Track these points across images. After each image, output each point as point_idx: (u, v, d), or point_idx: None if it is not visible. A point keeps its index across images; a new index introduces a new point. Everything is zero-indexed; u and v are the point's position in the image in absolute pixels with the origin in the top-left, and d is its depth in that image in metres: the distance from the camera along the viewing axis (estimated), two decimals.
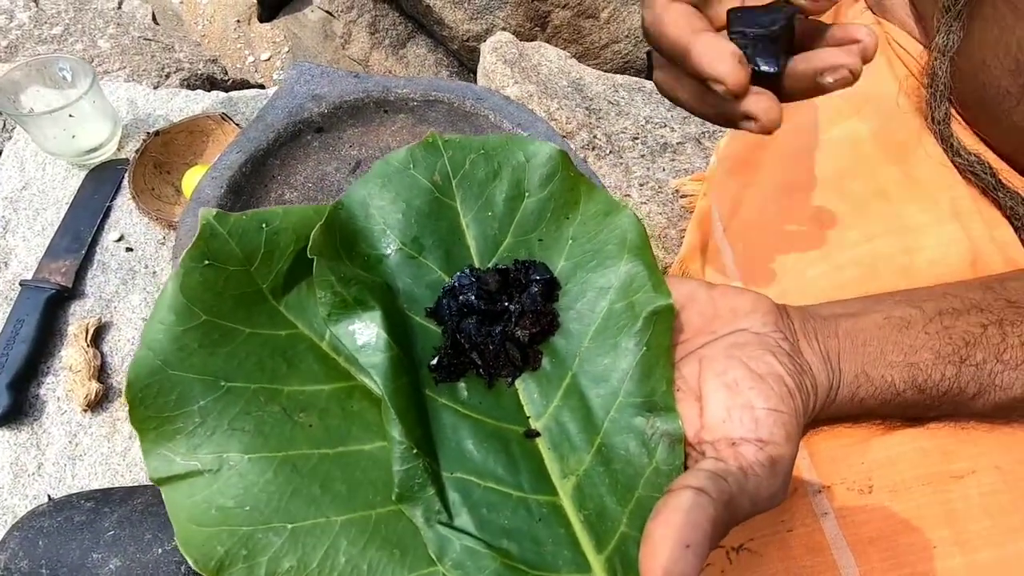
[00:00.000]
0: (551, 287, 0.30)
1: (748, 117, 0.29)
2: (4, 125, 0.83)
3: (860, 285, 0.40)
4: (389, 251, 0.29)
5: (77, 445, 0.54)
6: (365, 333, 0.26)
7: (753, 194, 0.54)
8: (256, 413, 0.25)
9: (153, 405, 0.23)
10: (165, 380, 0.24)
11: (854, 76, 0.28)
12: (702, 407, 0.26)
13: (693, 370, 0.27)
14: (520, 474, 0.25)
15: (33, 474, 0.53)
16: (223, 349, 0.25)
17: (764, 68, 0.27)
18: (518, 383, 0.28)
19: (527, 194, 0.31)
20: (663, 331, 0.28)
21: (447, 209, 0.31)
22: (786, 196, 0.50)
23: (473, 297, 0.28)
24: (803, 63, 0.29)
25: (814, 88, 0.29)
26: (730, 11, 0.29)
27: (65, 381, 0.56)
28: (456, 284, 0.29)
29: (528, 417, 0.27)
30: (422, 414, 0.26)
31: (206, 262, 0.26)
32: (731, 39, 0.27)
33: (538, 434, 0.27)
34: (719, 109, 0.31)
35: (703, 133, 0.83)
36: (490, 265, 0.30)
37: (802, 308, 0.31)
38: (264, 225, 0.27)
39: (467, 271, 0.29)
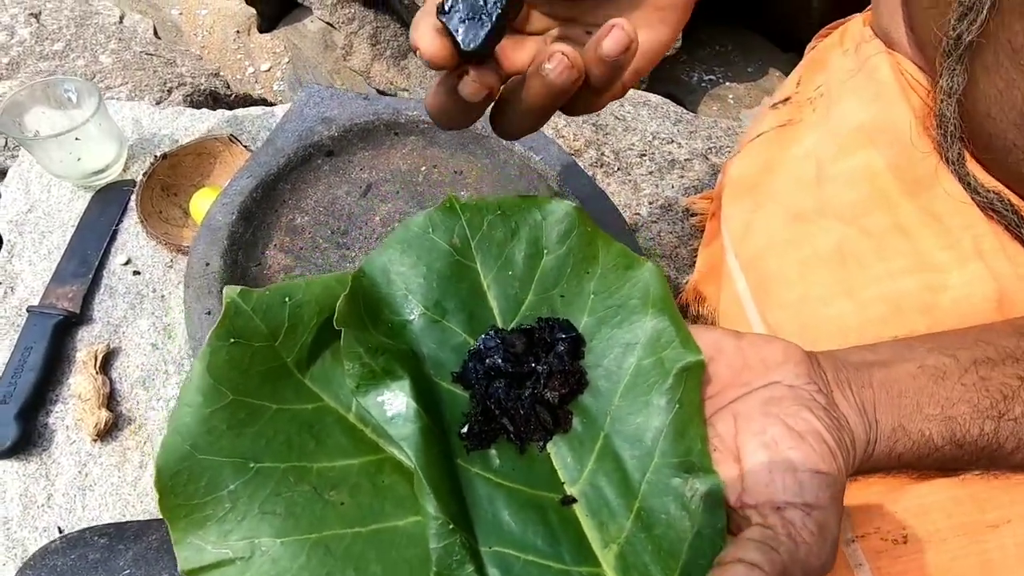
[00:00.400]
0: (577, 345, 0.29)
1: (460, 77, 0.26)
2: (6, 143, 0.82)
3: (884, 324, 0.39)
4: (412, 316, 0.28)
5: (87, 475, 0.53)
6: (395, 404, 0.25)
7: (763, 219, 0.53)
8: (287, 494, 0.24)
9: (183, 492, 0.23)
10: (194, 465, 0.23)
11: (573, 66, 0.25)
12: (742, 469, 0.25)
13: (728, 427, 0.26)
14: (560, 544, 0.24)
15: (43, 506, 0.52)
16: (251, 429, 0.25)
17: (461, 42, 0.24)
18: (550, 447, 0.27)
19: (546, 251, 0.31)
20: (694, 387, 0.27)
21: (468, 271, 0.30)
22: (798, 224, 0.49)
23: (500, 360, 0.28)
24: (518, 47, 0.27)
25: (541, 82, 0.26)
26: None
27: (74, 409, 0.55)
28: (482, 347, 0.28)
29: (563, 483, 0.26)
30: (456, 486, 0.25)
31: (232, 340, 0.25)
32: (441, 17, 0.25)
33: (575, 500, 0.26)
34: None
35: (710, 148, 0.82)
36: (514, 325, 0.29)
37: (832, 355, 0.30)
38: (287, 299, 0.26)
39: (492, 333, 0.28)
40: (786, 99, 0.58)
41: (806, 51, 0.63)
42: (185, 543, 0.22)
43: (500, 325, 0.29)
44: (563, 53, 0.25)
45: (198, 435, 0.24)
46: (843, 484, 0.25)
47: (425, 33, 0.24)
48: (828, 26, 0.61)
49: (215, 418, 0.24)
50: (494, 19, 0.24)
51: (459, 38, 0.24)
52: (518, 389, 0.27)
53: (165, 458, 0.23)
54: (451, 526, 0.23)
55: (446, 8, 0.24)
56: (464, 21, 0.24)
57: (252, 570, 0.22)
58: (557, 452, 0.27)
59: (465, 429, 0.26)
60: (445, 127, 0.29)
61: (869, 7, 0.55)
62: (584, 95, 0.28)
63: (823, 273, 0.44)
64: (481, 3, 0.24)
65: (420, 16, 0.25)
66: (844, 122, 0.48)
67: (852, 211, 0.44)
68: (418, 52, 0.25)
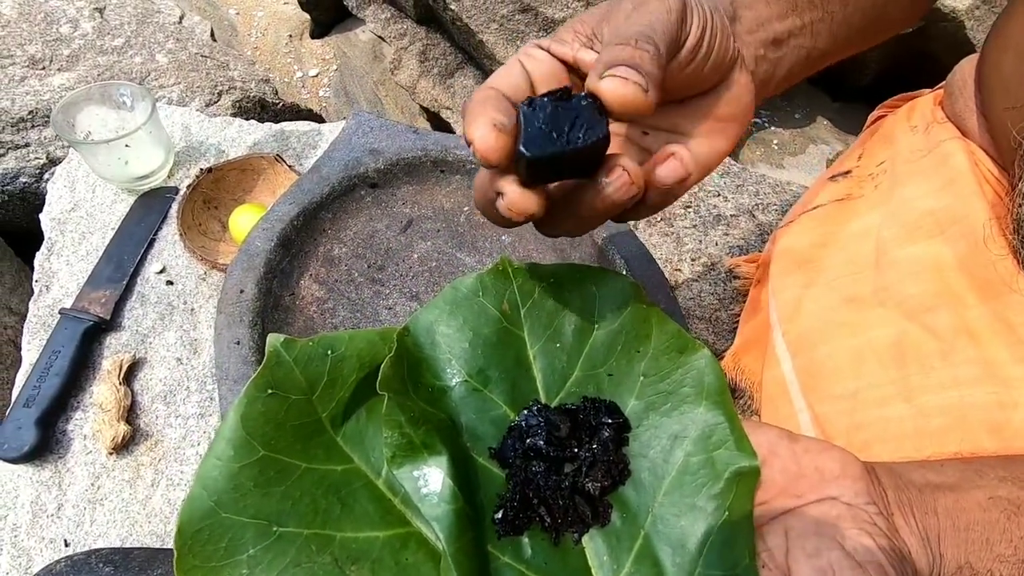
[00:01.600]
0: (622, 431, 0.28)
1: (498, 192, 0.25)
2: (41, 136, 0.85)
3: (945, 436, 0.37)
4: (454, 382, 0.28)
5: (99, 488, 0.54)
6: (430, 481, 0.24)
7: (815, 298, 0.51)
8: (307, 564, 0.23)
9: (202, 553, 0.22)
10: (217, 525, 0.23)
11: (634, 183, 0.25)
12: None
13: (779, 543, 0.25)
14: None
15: (52, 515, 0.52)
16: (278, 488, 0.24)
17: (523, 144, 0.23)
18: (585, 540, 0.26)
19: (597, 326, 0.30)
20: (746, 495, 0.26)
21: (514, 339, 0.30)
22: (854, 309, 0.47)
23: (541, 441, 0.27)
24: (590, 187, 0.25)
25: (597, 194, 0.25)
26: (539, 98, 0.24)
27: (93, 419, 0.56)
28: (523, 424, 0.28)
29: None
30: None
31: (270, 391, 0.25)
32: (524, 106, 0.24)
33: None
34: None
35: (756, 205, 0.81)
36: (557, 401, 0.29)
37: (892, 470, 0.29)
38: (329, 351, 0.26)
39: (534, 409, 0.28)
40: (846, 172, 0.57)
41: (868, 120, 0.62)
42: None
43: (543, 399, 0.29)
44: (624, 169, 0.24)
45: (224, 491, 0.23)
46: None
47: (483, 126, 0.23)
48: (895, 98, 0.60)
49: (243, 474, 0.24)
50: (569, 145, 0.23)
51: (521, 139, 0.23)
52: (557, 475, 0.27)
53: (189, 514, 0.23)
54: None
55: (532, 104, 0.23)
56: (541, 128, 0.23)
57: None
58: (593, 547, 0.26)
59: (499, 515, 0.26)
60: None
61: (940, 86, 0.54)
62: (635, 207, 0.28)
63: (879, 369, 0.43)
64: (567, 126, 0.23)
65: (478, 108, 0.24)
66: (910, 205, 0.47)
67: (915, 304, 0.42)
68: (471, 146, 0.23)
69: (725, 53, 0.29)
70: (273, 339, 0.26)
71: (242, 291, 0.49)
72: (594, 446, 0.27)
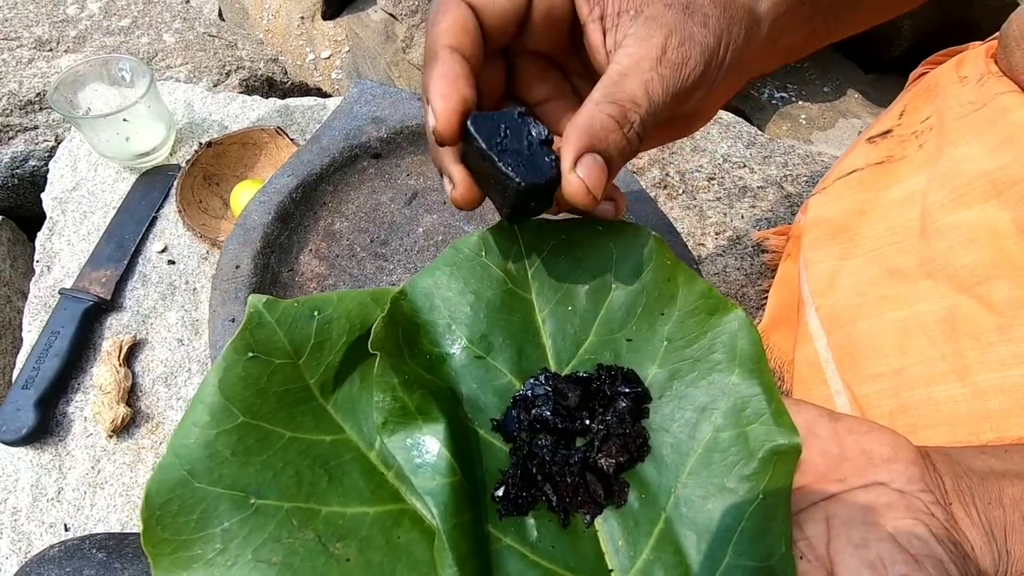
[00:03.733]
0: (642, 401, 0.25)
1: (447, 175, 0.27)
2: (49, 119, 0.84)
3: (1006, 419, 0.34)
4: (454, 349, 0.26)
5: (99, 472, 0.53)
6: (425, 451, 0.22)
7: (852, 271, 0.48)
8: (287, 540, 0.21)
9: (171, 526, 0.20)
10: (188, 495, 0.21)
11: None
12: None
13: (819, 531, 0.22)
14: None
15: (52, 499, 0.52)
16: (258, 458, 0.22)
17: (515, 174, 0.24)
18: (598, 522, 0.24)
19: (614, 286, 0.27)
20: (784, 477, 0.23)
21: (521, 302, 0.27)
22: (897, 283, 0.44)
23: (548, 412, 0.25)
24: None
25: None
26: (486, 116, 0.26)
27: (93, 401, 0.55)
28: (528, 393, 0.25)
29: (611, 570, 0.23)
30: (484, 560, 0.22)
31: (250, 354, 0.23)
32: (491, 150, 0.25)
33: None
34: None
35: (785, 176, 0.77)
36: (568, 369, 0.26)
37: (949, 456, 0.26)
38: (316, 313, 0.24)
39: (541, 378, 0.25)
40: (886, 132, 0.53)
41: (910, 78, 0.58)
42: None
43: (553, 368, 0.26)
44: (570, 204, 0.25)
45: (198, 459, 0.21)
46: None
47: (450, 105, 0.24)
48: (939, 54, 0.56)
49: (220, 442, 0.22)
50: (544, 176, 0.24)
51: (504, 162, 0.24)
52: (566, 450, 0.24)
53: (159, 483, 0.21)
54: None
55: (494, 143, 0.24)
56: (511, 152, 0.24)
57: None
58: (607, 530, 0.24)
59: (500, 491, 0.23)
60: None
61: (992, 38, 0.50)
62: None
63: (927, 345, 0.39)
64: (528, 153, 0.25)
65: (446, 82, 0.25)
66: (961, 166, 0.43)
67: (968, 275, 0.39)
68: (430, 117, 0.25)
69: (730, 89, 0.29)
70: (254, 299, 0.24)
71: (238, 267, 0.47)
72: (608, 418, 0.25)
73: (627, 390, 0.25)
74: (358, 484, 0.23)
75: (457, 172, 0.26)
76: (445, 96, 0.24)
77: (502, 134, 0.24)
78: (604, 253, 0.28)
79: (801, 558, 0.22)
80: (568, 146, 0.24)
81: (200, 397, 0.22)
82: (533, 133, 0.25)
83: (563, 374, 0.26)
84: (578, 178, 0.24)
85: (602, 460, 0.24)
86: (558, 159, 0.25)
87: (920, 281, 0.43)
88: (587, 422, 0.25)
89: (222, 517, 0.21)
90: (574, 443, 0.25)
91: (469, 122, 0.24)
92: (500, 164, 0.24)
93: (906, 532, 0.21)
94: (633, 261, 0.28)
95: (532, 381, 0.25)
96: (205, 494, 0.21)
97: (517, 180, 0.24)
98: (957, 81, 0.48)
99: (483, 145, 0.24)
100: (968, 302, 0.39)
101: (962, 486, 0.24)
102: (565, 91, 0.31)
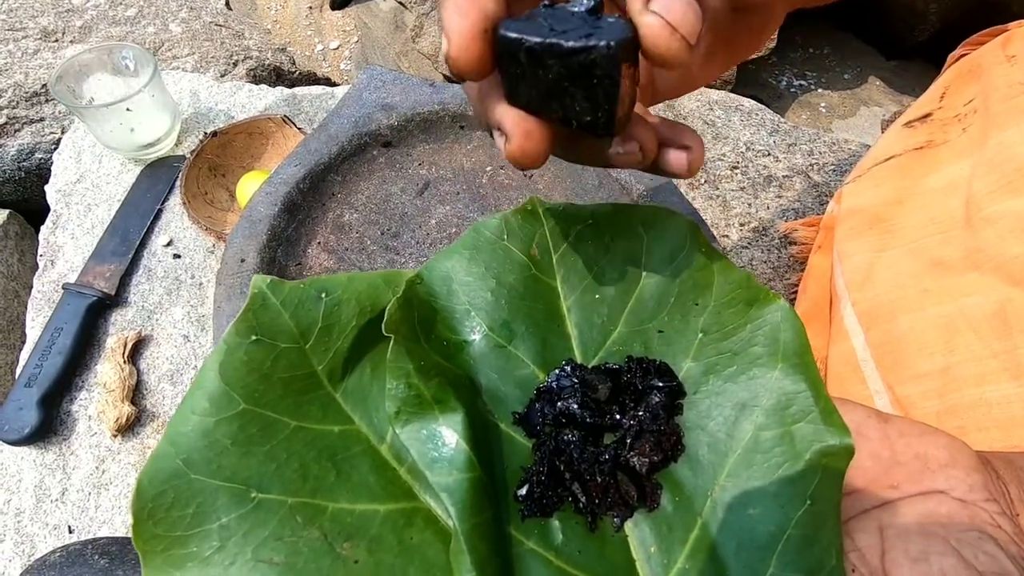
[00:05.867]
0: (675, 397, 0.24)
1: (497, 128, 0.21)
2: (55, 111, 0.84)
3: None
4: (473, 337, 0.24)
5: (104, 472, 0.52)
6: (442, 443, 0.21)
7: (890, 263, 0.46)
8: (290, 539, 0.20)
9: (165, 520, 0.19)
10: (184, 487, 0.20)
11: (645, 160, 0.22)
12: None
13: (872, 542, 0.21)
14: None
15: (56, 500, 0.51)
16: (261, 448, 0.21)
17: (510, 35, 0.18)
18: (628, 526, 0.22)
19: (645, 274, 0.26)
20: (834, 480, 0.22)
21: (545, 289, 0.26)
22: (940, 275, 0.42)
23: (575, 405, 0.23)
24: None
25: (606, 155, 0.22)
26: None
27: (98, 400, 0.54)
28: (554, 385, 0.24)
29: None
30: (505, 564, 0.21)
31: (253, 338, 0.22)
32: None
33: None
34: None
35: (811, 165, 0.75)
36: (596, 361, 0.25)
37: (1011, 462, 0.24)
38: (324, 294, 0.23)
39: (568, 368, 0.24)
40: (925, 116, 0.51)
41: (949, 60, 0.56)
42: None
43: (579, 359, 0.25)
44: (641, 147, 0.22)
45: (195, 449, 0.20)
46: None
47: (468, 23, 0.19)
48: (980, 34, 0.54)
49: (220, 430, 0.21)
50: (612, 84, 0.18)
51: (591, 41, 0.18)
52: (595, 447, 0.23)
53: (152, 473, 0.20)
54: None
55: (545, 32, 0.18)
56: (582, 35, 0.18)
57: None
58: (638, 535, 0.22)
59: (524, 490, 0.22)
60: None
61: None
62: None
63: (976, 341, 0.37)
64: (589, 25, 0.18)
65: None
66: (1010, 151, 0.41)
67: (1021, 267, 0.37)
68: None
69: None
70: (258, 279, 0.23)
71: (243, 260, 0.46)
72: (640, 413, 0.23)
73: (660, 384, 0.24)
74: (368, 479, 0.22)
75: (509, 116, 0.20)
76: (461, 9, 0.18)
77: (545, 24, 0.19)
78: (634, 239, 0.27)
79: (853, 571, 0.21)
80: None
81: (199, 383, 0.21)
82: (576, 8, 0.19)
83: (590, 366, 0.25)
84: (654, 15, 0.18)
85: (634, 458, 0.22)
86: (624, 19, 0.19)
87: (966, 273, 0.41)
88: (617, 417, 0.23)
89: (220, 512, 0.19)
90: (602, 440, 0.23)
91: (501, 28, 0.19)
92: (571, 44, 0.18)
93: (971, 546, 0.20)
94: (665, 248, 0.27)
95: (557, 372, 0.24)
96: (202, 486, 0.20)
97: (604, 43, 0.17)
98: (1004, 61, 0.46)
99: (535, 40, 0.18)
100: (1022, 295, 0.37)
101: None
102: None
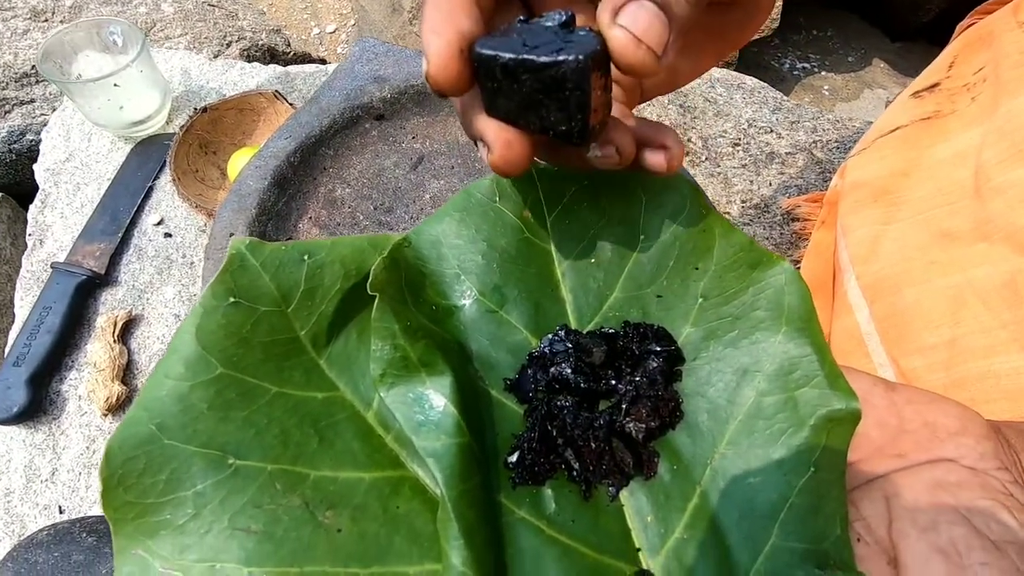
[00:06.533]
0: (673, 362, 0.23)
1: (480, 138, 0.22)
2: (47, 92, 0.82)
3: None
4: (463, 301, 0.23)
5: (95, 452, 0.51)
6: (429, 407, 0.20)
7: (896, 236, 0.45)
8: (269, 507, 0.19)
9: (136, 487, 0.18)
10: (157, 453, 0.19)
11: (623, 162, 0.22)
12: None
13: (878, 512, 0.20)
14: None
15: (46, 480, 0.50)
16: (239, 413, 0.20)
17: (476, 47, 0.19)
18: (624, 495, 0.21)
19: (643, 237, 0.25)
20: (839, 447, 0.20)
21: (539, 253, 0.25)
22: (948, 246, 0.41)
23: (569, 370, 0.22)
24: None
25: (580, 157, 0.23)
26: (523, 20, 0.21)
27: (88, 379, 0.53)
28: (547, 350, 0.23)
29: (638, 549, 0.20)
30: (494, 533, 0.20)
31: (231, 300, 0.21)
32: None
33: None
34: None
35: (815, 143, 0.73)
36: (591, 327, 0.24)
37: (1022, 431, 0.23)
38: (306, 257, 0.22)
39: (561, 333, 0.23)
40: (933, 86, 0.50)
41: (957, 30, 0.54)
42: (129, 554, 0.18)
43: (574, 325, 0.24)
44: (618, 150, 0.22)
45: (170, 414, 0.19)
46: None
47: (444, 44, 0.19)
48: (989, 2, 0.52)
49: (195, 395, 0.20)
50: (583, 95, 0.19)
51: (560, 56, 0.19)
52: (590, 413, 0.22)
53: (122, 439, 0.19)
54: None
55: (519, 48, 0.19)
56: (553, 50, 0.19)
57: None
58: (634, 505, 0.21)
59: (515, 457, 0.21)
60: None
61: None
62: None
63: (984, 313, 0.36)
64: (561, 39, 0.19)
65: (442, 13, 0.20)
66: (1021, 119, 0.39)
67: None
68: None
69: None
70: (236, 241, 0.22)
71: (232, 235, 0.45)
72: (637, 378, 0.22)
73: (658, 348, 0.23)
74: (352, 447, 0.21)
75: (491, 127, 0.21)
76: (437, 30, 0.19)
77: (520, 39, 0.19)
78: (632, 201, 0.26)
79: (859, 540, 0.20)
80: (605, 1, 0.19)
81: (174, 347, 0.20)
82: (549, 23, 0.20)
83: (585, 331, 0.24)
84: (620, 28, 0.19)
85: (631, 425, 0.21)
86: (595, 32, 0.20)
87: (975, 244, 0.40)
88: (613, 383, 0.22)
89: (195, 478, 0.18)
90: (597, 406, 0.22)
91: (477, 46, 0.20)
92: (542, 59, 0.19)
93: (983, 515, 0.19)
94: (665, 210, 0.25)
95: (551, 337, 0.23)
96: (176, 452, 0.19)
97: (572, 58, 0.18)
98: (1016, 27, 0.45)
99: (508, 56, 0.19)
100: None
101: None
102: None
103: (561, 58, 0.18)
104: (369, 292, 0.21)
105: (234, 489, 0.19)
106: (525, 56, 0.19)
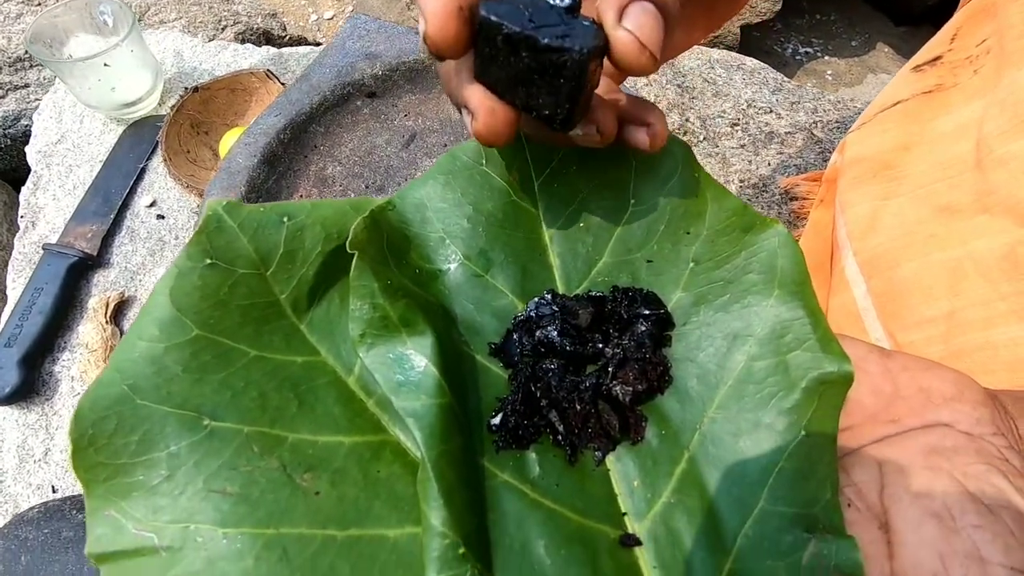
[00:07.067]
0: (663, 326, 0.22)
1: (464, 106, 0.21)
2: (40, 77, 0.82)
3: None
4: (448, 265, 0.23)
5: (71, 465, 0.51)
6: (409, 367, 0.19)
7: (896, 211, 0.44)
8: (245, 469, 0.19)
9: (107, 447, 0.18)
10: (130, 413, 0.18)
11: (604, 141, 0.22)
12: (892, 542, 0.18)
13: (870, 476, 0.20)
14: None
15: (39, 460, 0.50)
16: (215, 376, 0.20)
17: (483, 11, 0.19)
18: (610, 460, 0.21)
19: (633, 201, 0.24)
20: (831, 411, 0.20)
21: (526, 217, 0.24)
22: (948, 219, 0.40)
23: (555, 333, 0.22)
24: None
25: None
26: None
27: (80, 360, 0.53)
28: (532, 314, 0.22)
29: (624, 514, 0.20)
30: (476, 495, 0.19)
31: (208, 261, 0.20)
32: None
33: (639, 543, 0.19)
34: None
35: (815, 123, 0.72)
36: (579, 292, 0.23)
37: (1020, 398, 0.22)
38: (286, 219, 0.21)
39: (548, 297, 0.22)
40: (935, 59, 0.49)
41: (961, 2, 0.53)
42: (101, 515, 0.17)
43: (561, 290, 0.23)
44: (599, 130, 0.22)
45: (143, 376, 0.19)
46: None
47: (476, 94, 0.20)
48: None
49: (170, 356, 0.19)
50: (575, 87, 0.19)
51: (565, 43, 0.19)
52: (576, 376, 0.21)
53: (93, 399, 0.18)
54: (461, 550, 0.17)
55: (526, 23, 0.19)
56: (558, 35, 0.19)
57: (178, 568, 0.17)
58: (620, 469, 0.21)
59: (498, 419, 0.21)
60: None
61: None
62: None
63: (983, 284, 0.36)
64: (564, 24, 0.19)
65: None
66: None
67: None
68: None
69: None
70: (212, 202, 0.21)
71: None
72: (625, 342, 0.21)
73: (647, 312, 0.22)
74: (333, 411, 0.20)
75: (476, 94, 0.20)
76: None
77: (526, 13, 0.19)
78: (623, 165, 0.25)
79: (849, 506, 0.20)
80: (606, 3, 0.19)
81: (147, 309, 0.19)
82: (558, 2, 0.20)
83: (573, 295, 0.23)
84: (626, 32, 0.19)
85: (617, 387, 0.21)
86: (597, 24, 0.20)
87: (975, 217, 0.39)
88: (600, 346, 0.22)
89: (169, 440, 0.18)
90: (584, 371, 0.22)
91: (483, 9, 0.19)
92: (546, 41, 0.19)
93: (977, 479, 0.18)
94: (656, 174, 0.25)
95: (537, 300, 0.22)
96: (149, 412, 0.18)
97: (577, 49, 0.18)
98: None
99: (515, 28, 0.19)
100: None
101: None
102: None
103: (567, 45, 0.18)
104: (348, 250, 0.20)
105: (209, 451, 0.18)
106: (530, 33, 0.19)
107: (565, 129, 0.21)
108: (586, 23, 0.19)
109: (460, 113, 0.22)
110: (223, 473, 0.18)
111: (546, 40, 0.18)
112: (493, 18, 0.19)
